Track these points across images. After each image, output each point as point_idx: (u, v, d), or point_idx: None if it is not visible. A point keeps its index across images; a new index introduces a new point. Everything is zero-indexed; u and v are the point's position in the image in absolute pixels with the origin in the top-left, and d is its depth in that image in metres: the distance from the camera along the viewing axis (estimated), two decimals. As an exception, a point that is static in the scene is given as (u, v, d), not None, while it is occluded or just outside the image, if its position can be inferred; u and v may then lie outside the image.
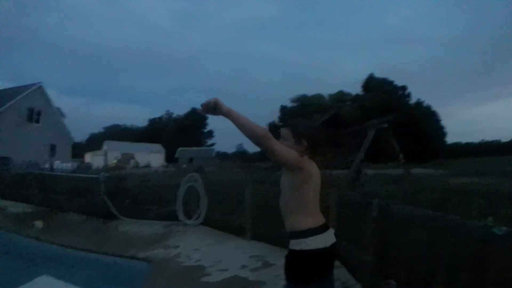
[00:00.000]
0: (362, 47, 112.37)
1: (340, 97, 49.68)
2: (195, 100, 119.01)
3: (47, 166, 20.23)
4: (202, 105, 1.82)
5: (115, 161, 38.88)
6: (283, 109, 52.72)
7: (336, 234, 2.07)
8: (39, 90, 27.07)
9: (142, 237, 6.51)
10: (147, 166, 39.57)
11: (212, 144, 72.21)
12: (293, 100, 52.38)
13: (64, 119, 31.90)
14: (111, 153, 42.88)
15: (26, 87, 26.69)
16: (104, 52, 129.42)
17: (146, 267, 4.83)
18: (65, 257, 5.56)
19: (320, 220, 2.10)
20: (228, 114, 1.78)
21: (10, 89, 27.90)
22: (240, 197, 6.31)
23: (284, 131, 2.12)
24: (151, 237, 6.48)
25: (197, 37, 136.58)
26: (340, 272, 4.00)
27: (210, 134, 77.38)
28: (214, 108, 1.78)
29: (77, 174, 13.77)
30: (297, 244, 2.00)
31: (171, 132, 70.61)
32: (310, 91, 55.45)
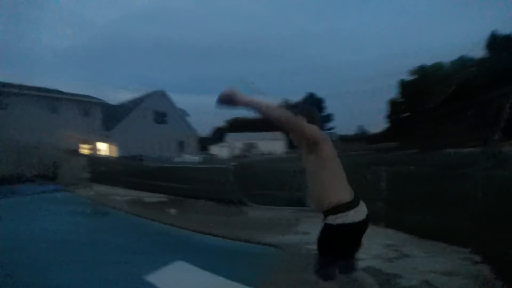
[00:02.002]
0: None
1: (463, 63, 43.24)
2: (308, 83, 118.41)
3: (176, 160, 22.32)
4: (219, 98, 1.87)
5: (239, 151, 41.09)
6: (402, 83, 48.78)
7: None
8: (162, 95, 31.38)
9: (271, 223, 6.55)
10: (270, 153, 40.89)
11: (332, 128, 71.39)
12: (411, 73, 47.64)
13: (188, 117, 34.89)
14: (234, 144, 45.54)
15: (151, 93, 31.15)
16: (211, 48, 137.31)
17: (275, 253, 4.78)
18: (197, 243, 5.89)
19: (352, 193, 2.17)
20: (249, 104, 1.85)
21: (139, 97, 32.43)
22: (371, 180, 6.00)
23: None
24: (280, 223, 6.47)
25: (294, 17, 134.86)
26: (481, 269, 3.55)
27: (329, 117, 76.61)
28: (231, 100, 1.85)
29: (206, 165, 14.79)
30: (336, 219, 2.05)
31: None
32: (423, 60, 50.05)
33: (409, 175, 5.44)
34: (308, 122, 2.14)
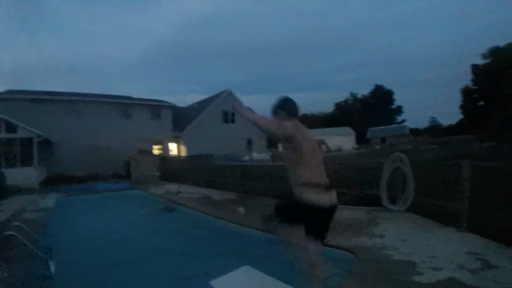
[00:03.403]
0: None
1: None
2: (375, 75, 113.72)
3: (245, 158, 22.60)
4: (232, 107, 3.23)
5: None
6: (474, 68, 44.81)
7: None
8: (229, 95, 32.15)
9: (344, 223, 6.29)
10: (339, 149, 39.99)
11: (403, 121, 68.25)
12: (484, 56, 43.36)
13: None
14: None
15: (218, 94, 32.52)
16: (275, 48, 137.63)
17: (350, 258, 4.57)
18: (265, 243, 5.75)
19: (323, 179, 2.86)
20: (243, 115, 2.87)
21: (207, 98, 34.28)
22: (452, 178, 5.60)
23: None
24: (353, 224, 6.19)
25: (353, 9, 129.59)
26: None
27: (399, 110, 73.48)
28: (237, 110, 2.98)
29: (275, 163, 14.69)
30: (297, 195, 2.86)
31: (358, 113, 69.99)
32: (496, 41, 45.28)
33: (495, 172, 4.81)
34: (289, 116, 2.92)
